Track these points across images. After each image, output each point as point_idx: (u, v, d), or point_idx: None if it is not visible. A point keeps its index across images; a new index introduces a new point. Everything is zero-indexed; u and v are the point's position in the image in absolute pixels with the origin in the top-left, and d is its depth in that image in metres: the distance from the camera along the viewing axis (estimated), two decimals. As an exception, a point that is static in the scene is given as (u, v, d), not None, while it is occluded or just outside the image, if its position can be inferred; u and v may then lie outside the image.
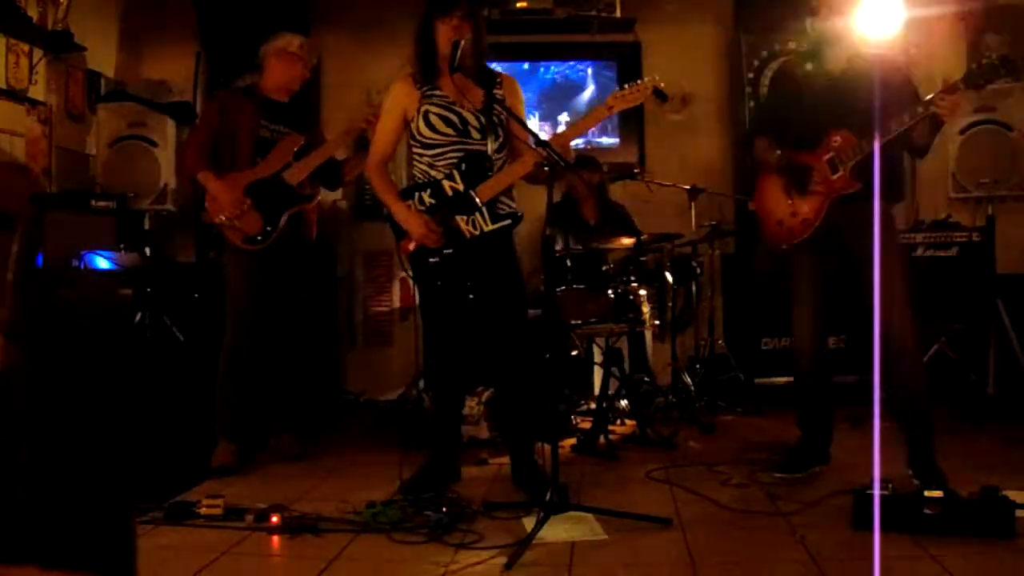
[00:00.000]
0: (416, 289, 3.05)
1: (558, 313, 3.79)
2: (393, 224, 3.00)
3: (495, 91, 2.94)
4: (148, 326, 4.23)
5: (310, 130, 3.60)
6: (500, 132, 2.93)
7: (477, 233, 2.90)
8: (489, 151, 2.91)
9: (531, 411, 3.04)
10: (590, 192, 4.62)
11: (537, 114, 5.33)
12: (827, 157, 2.86)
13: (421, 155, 2.98)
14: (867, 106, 2.74)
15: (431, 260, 2.93)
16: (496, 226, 2.90)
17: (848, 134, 2.80)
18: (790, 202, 2.97)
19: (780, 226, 3.01)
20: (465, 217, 2.90)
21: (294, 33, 3.56)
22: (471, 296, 3.04)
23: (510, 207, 2.98)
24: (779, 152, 3.02)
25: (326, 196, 5.09)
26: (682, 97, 5.39)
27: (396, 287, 5.38)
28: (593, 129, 5.36)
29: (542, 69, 5.44)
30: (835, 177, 2.85)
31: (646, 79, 2.81)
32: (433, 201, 2.93)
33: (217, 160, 3.42)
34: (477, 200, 2.87)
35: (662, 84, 2.83)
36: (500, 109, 2.89)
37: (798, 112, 2.97)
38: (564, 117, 5.35)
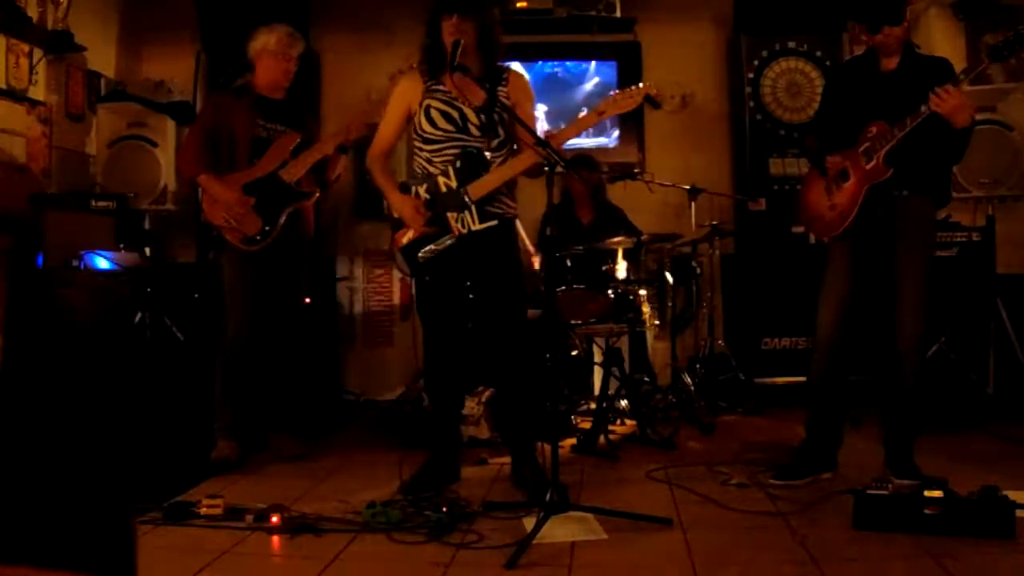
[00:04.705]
0: (413, 286, 3.07)
1: (558, 313, 3.79)
2: (393, 220, 3.04)
3: (500, 88, 2.96)
4: (148, 326, 4.23)
5: (307, 127, 3.59)
6: (501, 131, 2.95)
7: (465, 231, 2.92)
8: (487, 149, 2.92)
9: (531, 411, 3.04)
10: (587, 192, 4.61)
11: (546, 105, 5.30)
12: (863, 147, 2.89)
13: (421, 149, 3.01)
14: (912, 100, 2.76)
15: (420, 255, 2.94)
16: (482, 226, 2.91)
17: (883, 123, 2.84)
18: (829, 196, 3.02)
19: (820, 220, 3.06)
20: (455, 214, 2.91)
21: (273, 26, 3.50)
22: (470, 295, 3.05)
23: (505, 206, 2.99)
24: (816, 144, 3.09)
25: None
26: (682, 97, 5.39)
27: (396, 287, 5.38)
28: (592, 129, 5.37)
29: (539, 63, 5.42)
30: (868, 166, 2.87)
31: (640, 85, 2.81)
32: (428, 196, 2.95)
33: (214, 162, 3.41)
34: (468, 198, 2.89)
35: (655, 91, 2.84)
36: (501, 108, 2.91)
37: (847, 110, 3.00)
38: (542, 108, 5.27)
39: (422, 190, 2.96)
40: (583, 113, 2.95)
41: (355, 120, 3.45)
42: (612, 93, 2.86)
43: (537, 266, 4.30)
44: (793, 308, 4.77)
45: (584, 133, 5.35)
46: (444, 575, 2.21)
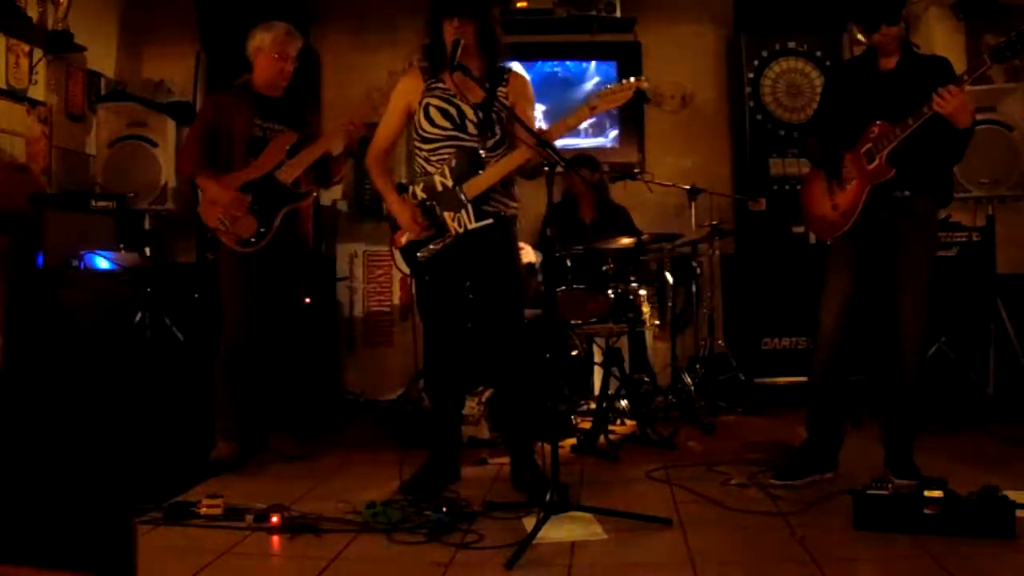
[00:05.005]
0: (413, 286, 3.07)
1: (558, 313, 3.79)
2: (391, 220, 3.04)
3: (500, 88, 2.96)
4: (148, 326, 4.23)
5: (305, 126, 3.58)
6: (498, 129, 2.95)
7: (462, 231, 2.92)
8: (483, 147, 2.92)
9: (531, 412, 3.04)
10: (588, 191, 4.61)
11: (545, 105, 5.28)
12: (865, 148, 2.89)
13: (420, 149, 3.02)
14: (911, 100, 2.76)
15: (419, 255, 2.95)
16: (478, 225, 2.91)
17: (885, 123, 2.84)
18: (831, 196, 3.01)
19: (823, 221, 3.05)
20: (452, 213, 2.92)
21: (271, 25, 3.48)
22: (470, 295, 3.05)
23: (502, 205, 2.98)
24: (819, 146, 3.08)
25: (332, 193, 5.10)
26: (682, 97, 5.39)
27: (396, 287, 5.38)
28: (591, 129, 5.38)
29: (539, 63, 5.41)
30: (871, 166, 2.87)
31: (631, 79, 2.81)
32: (425, 195, 2.96)
33: (212, 161, 3.41)
34: (464, 197, 2.89)
35: (646, 85, 2.83)
36: (500, 107, 2.91)
37: (848, 110, 3.00)
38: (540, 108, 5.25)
39: (419, 190, 2.97)
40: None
41: (357, 118, 3.44)
42: (603, 88, 2.86)
43: (527, 260, 4.29)
44: (793, 308, 4.78)
45: (583, 133, 5.39)
46: (444, 575, 2.21)
